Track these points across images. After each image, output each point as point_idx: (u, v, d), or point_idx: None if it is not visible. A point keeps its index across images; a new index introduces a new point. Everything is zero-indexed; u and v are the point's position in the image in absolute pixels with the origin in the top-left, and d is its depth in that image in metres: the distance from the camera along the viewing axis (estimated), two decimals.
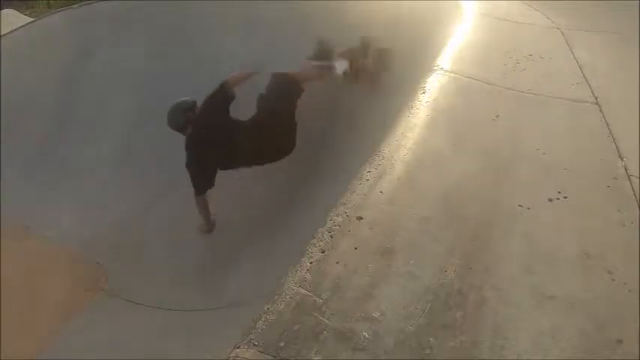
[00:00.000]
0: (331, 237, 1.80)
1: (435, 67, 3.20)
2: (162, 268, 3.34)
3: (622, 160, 2.31)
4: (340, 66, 3.27)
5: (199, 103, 3.24)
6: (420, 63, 3.36)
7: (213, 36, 4.40)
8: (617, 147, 2.42)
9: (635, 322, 1.49)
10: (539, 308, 1.55)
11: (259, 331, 1.43)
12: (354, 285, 1.60)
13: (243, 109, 3.27)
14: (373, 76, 3.27)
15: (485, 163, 2.30)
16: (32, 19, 6.47)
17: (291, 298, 1.55)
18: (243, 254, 3.20)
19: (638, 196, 2.06)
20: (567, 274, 1.68)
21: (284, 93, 3.21)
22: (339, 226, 1.86)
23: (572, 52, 3.75)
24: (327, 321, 1.47)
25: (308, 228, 1.98)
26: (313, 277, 1.62)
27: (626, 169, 2.24)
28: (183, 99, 3.16)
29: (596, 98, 2.94)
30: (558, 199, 2.05)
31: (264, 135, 3.10)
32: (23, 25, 5.28)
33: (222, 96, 3.21)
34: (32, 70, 4.55)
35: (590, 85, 3.12)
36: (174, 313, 2.82)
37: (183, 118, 3.12)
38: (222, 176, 3.34)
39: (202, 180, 3.11)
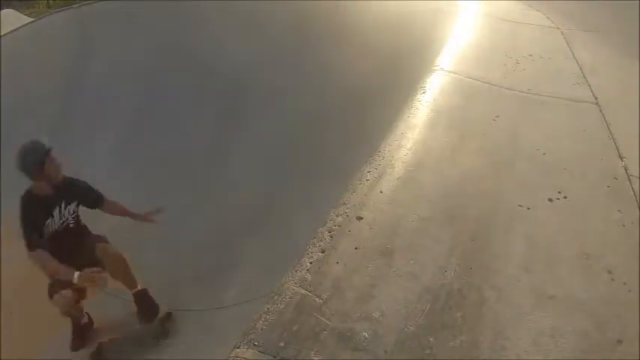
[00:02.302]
0: (331, 237, 1.80)
1: (435, 67, 3.20)
2: (162, 268, 3.34)
3: (622, 160, 2.31)
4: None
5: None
6: (420, 63, 3.36)
7: (213, 35, 4.40)
8: (617, 147, 2.42)
9: (635, 322, 1.49)
10: (539, 308, 1.54)
11: (259, 331, 1.43)
12: (354, 285, 1.60)
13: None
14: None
15: (485, 163, 2.30)
16: (32, 19, 6.48)
17: (291, 298, 1.54)
18: (243, 254, 3.20)
19: (638, 196, 2.06)
20: (567, 274, 1.68)
21: None
22: (339, 226, 1.85)
23: (572, 52, 3.75)
24: (327, 321, 1.46)
25: (308, 228, 1.98)
26: (313, 277, 1.62)
27: (626, 169, 2.24)
28: (35, 141, 2.54)
29: (596, 98, 2.94)
30: (558, 199, 2.05)
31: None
32: (23, 25, 5.28)
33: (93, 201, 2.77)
34: (32, 70, 4.55)
35: (590, 85, 3.12)
36: (174, 313, 2.82)
37: (29, 166, 2.50)
38: (221, 174, 3.34)
39: (35, 235, 2.48)
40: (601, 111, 2.79)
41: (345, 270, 1.66)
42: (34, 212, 2.50)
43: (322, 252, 1.73)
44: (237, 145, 3.92)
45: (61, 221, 2.61)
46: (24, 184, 2.60)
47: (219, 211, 3.38)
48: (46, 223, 2.53)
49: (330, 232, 1.82)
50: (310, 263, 1.68)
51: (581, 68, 3.41)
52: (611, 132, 2.56)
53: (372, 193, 2.04)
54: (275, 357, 1.35)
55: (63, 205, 2.60)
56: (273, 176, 3.59)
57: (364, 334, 1.43)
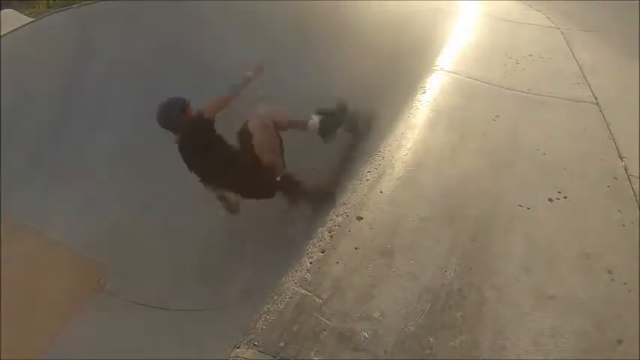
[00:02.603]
0: (331, 237, 1.80)
1: (435, 67, 3.20)
2: (162, 268, 3.34)
3: (622, 160, 2.31)
4: (313, 125, 3.18)
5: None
6: (420, 63, 3.36)
7: (213, 35, 4.40)
8: (617, 147, 2.42)
9: (635, 322, 1.49)
10: (539, 308, 1.54)
11: (259, 331, 1.43)
12: (354, 285, 1.60)
13: None
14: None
15: (485, 163, 2.30)
16: (32, 19, 6.47)
17: (291, 298, 1.54)
18: (243, 254, 3.20)
19: (638, 196, 2.06)
20: (567, 274, 1.68)
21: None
22: (339, 226, 1.85)
23: (572, 52, 3.75)
24: (327, 321, 1.46)
25: (308, 228, 1.98)
26: (313, 277, 1.62)
27: (626, 169, 2.24)
28: (175, 97, 2.99)
29: (596, 98, 2.94)
30: (558, 199, 2.05)
31: (244, 171, 2.93)
32: (23, 25, 5.27)
33: (202, 125, 2.95)
34: (32, 70, 4.55)
35: (590, 85, 3.12)
36: (174, 313, 2.82)
37: (174, 117, 2.94)
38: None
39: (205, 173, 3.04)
40: (601, 111, 2.79)
41: (345, 270, 1.66)
42: None
43: (322, 252, 1.73)
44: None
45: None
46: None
47: (219, 211, 3.37)
48: None
49: (330, 232, 1.82)
50: (310, 263, 1.68)
51: (581, 68, 3.41)
52: (611, 132, 2.56)
53: (372, 193, 2.04)
54: (275, 357, 1.35)
55: None
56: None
57: (364, 334, 1.43)
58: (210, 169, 2.97)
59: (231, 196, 3.04)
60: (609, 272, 1.68)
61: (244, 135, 3.00)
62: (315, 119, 3.16)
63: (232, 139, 3.09)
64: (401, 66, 3.51)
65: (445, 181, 2.16)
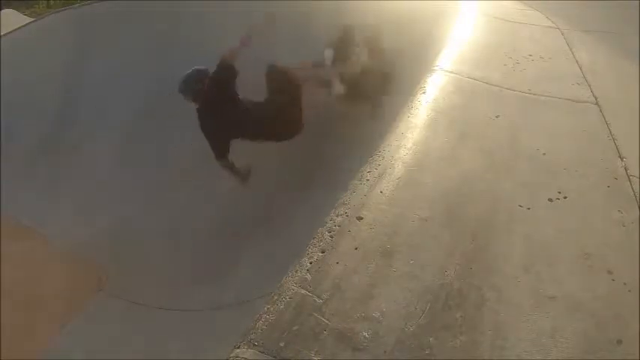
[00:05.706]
0: (331, 237, 1.80)
1: (435, 67, 3.20)
2: (162, 268, 3.34)
3: (622, 160, 2.31)
4: (328, 55, 3.51)
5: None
6: (420, 63, 3.36)
7: (212, 35, 4.40)
8: (617, 147, 2.42)
9: (635, 322, 1.49)
10: (539, 308, 1.54)
11: (259, 331, 1.43)
12: (354, 285, 1.60)
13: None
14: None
15: (485, 163, 2.30)
16: (32, 19, 6.46)
17: (291, 298, 1.54)
18: (244, 254, 3.20)
19: (638, 196, 2.06)
20: (567, 274, 1.68)
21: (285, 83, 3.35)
22: (339, 226, 1.85)
23: (572, 52, 3.75)
24: (327, 321, 1.47)
25: (308, 228, 1.98)
26: (313, 277, 1.62)
27: (626, 169, 2.24)
28: (196, 67, 3.20)
29: (596, 98, 2.94)
30: (558, 199, 2.05)
31: (273, 112, 3.24)
32: (23, 25, 5.28)
33: (224, 73, 3.21)
34: (32, 70, 4.55)
35: (590, 85, 3.12)
36: (174, 313, 2.82)
37: (195, 86, 3.15)
38: (221, 174, 3.34)
39: (217, 146, 3.18)
40: (601, 111, 2.79)
41: (345, 270, 1.66)
42: None
43: (322, 252, 1.73)
44: (236, 144, 3.92)
45: None
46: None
47: (220, 211, 3.38)
48: None
49: (330, 232, 1.82)
50: (310, 263, 1.68)
51: (581, 68, 3.41)
52: (611, 132, 2.56)
53: (372, 193, 2.04)
54: (275, 357, 1.35)
55: None
56: (273, 176, 3.59)
57: (364, 334, 1.43)
58: (237, 118, 3.18)
59: (239, 166, 3.26)
60: (609, 272, 1.68)
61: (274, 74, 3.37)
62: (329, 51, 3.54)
63: None
64: (401, 66, 3.51)
65: (445, 181, 2.16)
